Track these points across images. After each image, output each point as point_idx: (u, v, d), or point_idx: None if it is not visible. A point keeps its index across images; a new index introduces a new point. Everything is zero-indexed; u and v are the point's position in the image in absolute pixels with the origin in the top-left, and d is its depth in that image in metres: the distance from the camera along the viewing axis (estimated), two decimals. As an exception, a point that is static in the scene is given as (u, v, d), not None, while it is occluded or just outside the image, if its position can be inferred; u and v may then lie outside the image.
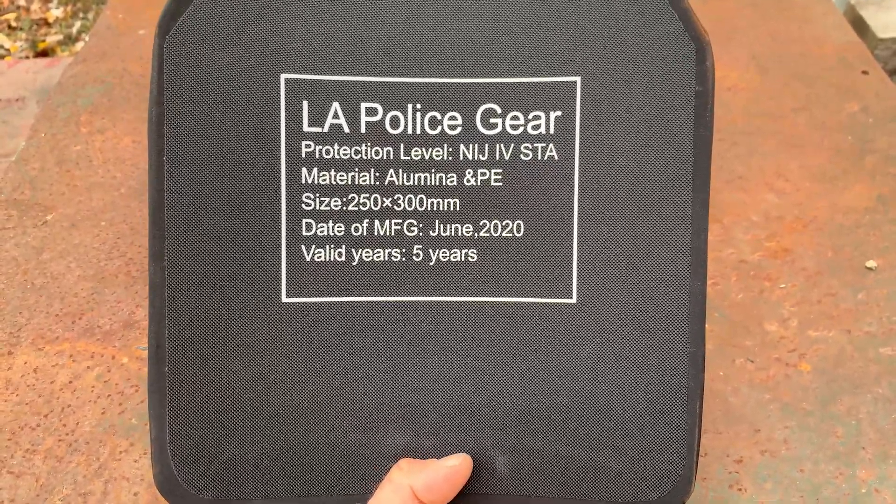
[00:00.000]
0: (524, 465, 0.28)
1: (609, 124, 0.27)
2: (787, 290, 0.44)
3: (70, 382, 0.40)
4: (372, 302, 0.28)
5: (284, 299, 0.27)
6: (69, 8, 1.55)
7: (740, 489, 0.36)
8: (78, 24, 1.50)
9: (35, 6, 1.55)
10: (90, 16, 1.52)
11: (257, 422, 0.28)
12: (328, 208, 0.27)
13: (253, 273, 0.27)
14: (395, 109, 0.27)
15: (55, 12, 1.53)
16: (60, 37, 1.47)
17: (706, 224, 0.27)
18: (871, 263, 0.45)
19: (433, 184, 0.27)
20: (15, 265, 0.46)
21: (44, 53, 1.42)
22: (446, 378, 0.28)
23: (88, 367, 0.41)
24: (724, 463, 0.37)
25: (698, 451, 0.28)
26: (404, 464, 0.27)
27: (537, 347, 0.28)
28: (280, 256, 0.27)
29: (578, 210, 0.27)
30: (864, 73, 0.58)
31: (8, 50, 1.43)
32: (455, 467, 0.27)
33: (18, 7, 1.56)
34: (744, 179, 0.50)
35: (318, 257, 0.28)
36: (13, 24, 1.51)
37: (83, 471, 0.36)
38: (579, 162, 0.27)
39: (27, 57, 1.41)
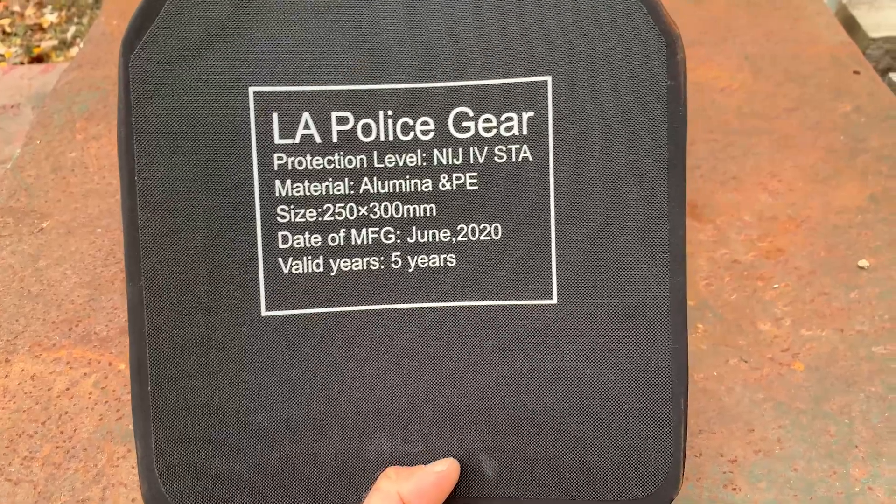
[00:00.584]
0: (512, 467, 0.28)
1: (582, 122, 0.27)
2: (780, 290, 0.44)
3: (67, 389, 0.40)
4: (352, 311, 0.28)
5: (264, 313, 0.28)
6: (64, 13, 1.55)
7: (735, 489, 0.36)
8: (73, 29, 1.50)
9: (30, 11, 1.55)
10: (85, 21, 1.52)
11: (243, 436, 0.28)
12: (304, 220, 0.27)
13: (231, 288, 0.27)
14: (367, 117, 0.27)
15: (50, 17, 1.53)
16: (55, 42, 1.47)
17: (683, 219, 0.27)
18: (863, 262, 0.45)
19: (408, 190, 0.27)
20: (11, 273, 0.46)
21: (39, 59, 1.42)
22: (430, 383, 0.28)
23: (85, 374, 0.41)
24: (718, 462, 0.37)
25: (685, 447, 0.29)
26: (391, 472, 0.27)
27: (520, 349, 0.28)
28: (257, 270, 0.27)
29: (555, 210, 0.27)
30: (856, 72, 0.59)
31: (3, 56, 1.43)
32: (443, 472, 0.27)
33: (13, 13, 1.56)
34: (737, 180, 0.51)
35: (296, 269, 0.27)
36: (8, 29, 1.51)
37: (81, 477, 0.36)
38: (554, 162, 0.27)
39: (22, 63, 1.41)
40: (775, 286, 0.44)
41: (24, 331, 0.43)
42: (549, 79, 0.27)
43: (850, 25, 0.78)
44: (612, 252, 0.27)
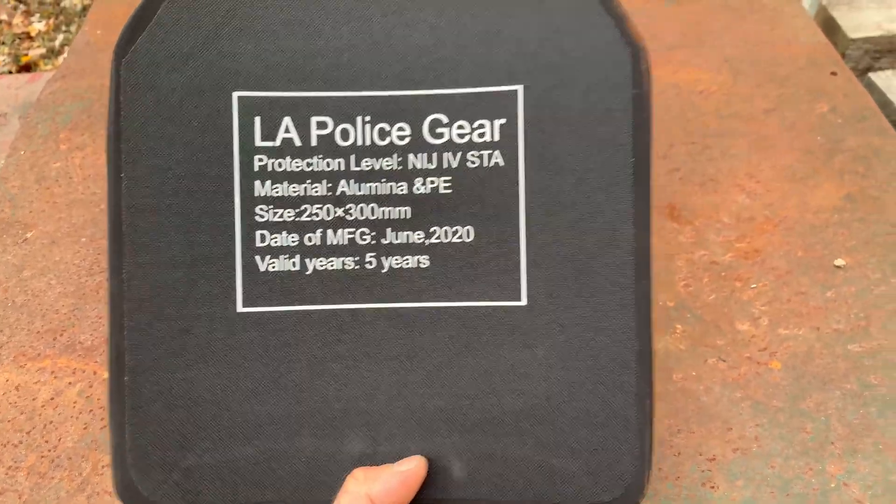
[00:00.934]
0: (481, 469, 0.29)
1: (551, 130, 0.28)
2: (758, 290, 0.45)
3: (52, 399, 0.40)
4: (326, 310, 0.28)
5: (240, 309, 0.28)
6: (51, 21, 1.55)
7: (713, 487, 0.37)
8: (60, 37, 1.50)
9: (17, 20, 1.55)
10: (73, 28, 1.52)
11: (217, 430, 0.28)
12: (282, 219, 0.28)
13: (209, 284, 0.28)
14: (345, 122, 0.28)
15: (38, 26, 1.53)
16: (43, 50, 1.47)
17: (649, 223, 0.28)
18: (839, 262, 0.46)
19: (384, 193, 0.28)
20: (-4, 283, 0.47)
21: (27, 67, 1.42)
22: (402, 384, 0.29)
23: (70, 384, 0.41)
24: (696, 461, 0.38)
25: (651, 451, 0.29)
26: (359, 473, 0.28)
27: (491, 351, 0.29)
28: (235, 267, 0.28)
29: (525, 214, 0.28)
30: (833, 73, 0.59)
31: (-10, 65, 1.43)
32: (410, 471, 0.28)
33: (0, 21, 1.55)
34: (715, 182, 0.51)
35: (273, 267, 0.28)
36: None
37: (66, 486, 0.36)
38: (524, 167, 0.28)
39: (10, 72, 1.41)
40: (753, 286, 0.45)
41: (8, 341, 0.43)
42: (519, 88, 0.28)
43: (830, 26, 0.79)
44: (579, 256, 0.28)
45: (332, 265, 0.28)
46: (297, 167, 0.28)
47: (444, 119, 0.28)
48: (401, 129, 0.28)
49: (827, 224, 0.48)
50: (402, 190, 0.28)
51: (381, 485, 0.27)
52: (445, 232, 0.28)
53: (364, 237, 0.28)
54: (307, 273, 0.28)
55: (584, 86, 0.28)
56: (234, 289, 0.28)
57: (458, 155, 0.28)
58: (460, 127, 0.28)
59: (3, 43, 1.49)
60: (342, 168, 0.28)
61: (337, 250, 0.28)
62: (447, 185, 0.28)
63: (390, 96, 0.28)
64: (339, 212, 0.28)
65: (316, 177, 0.28)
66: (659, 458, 0.38)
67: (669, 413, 0.39)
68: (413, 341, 0.29)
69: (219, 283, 0.28)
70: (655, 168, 0.52)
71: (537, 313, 0.28)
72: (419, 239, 0.28)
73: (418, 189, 0.28)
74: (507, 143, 0.28)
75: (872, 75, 0.74)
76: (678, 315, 0.44)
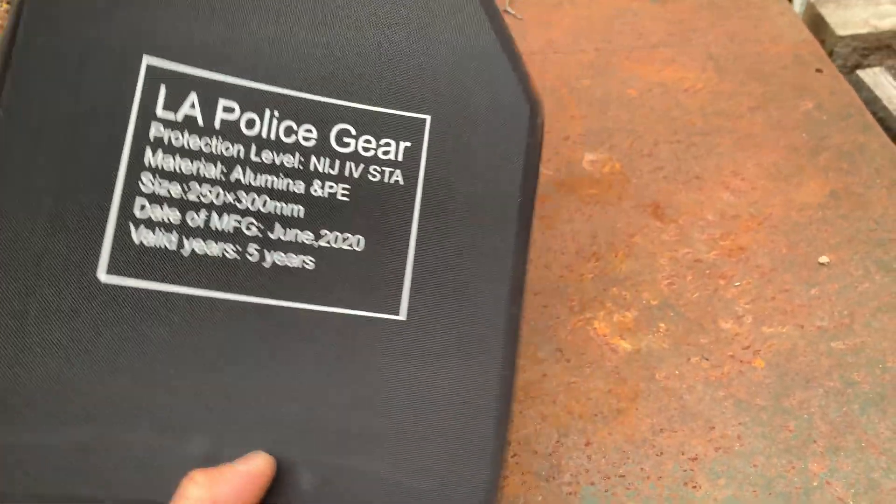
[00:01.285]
0: (331, 481, 0.28)
1: (451, 161, 0.30)
2: (741, 288, 0.45)
3: None
4: (196, 296, 0.27)
5: (101, 276, 0.26)
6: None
7: (695, 486, 0.37)
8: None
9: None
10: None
11: (42, 406, 0.26)
12: (167, 193, 0.27)
13: (71, 243, 0.26)
14: (253, 112, 0.28)
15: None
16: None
17: (527, 257, 0.30)
18: (823, 259, 0.46)
19: (280, 188, 0.28)
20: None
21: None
22: (260, 385, 0.27)
23: None
24: (678, 461, 0.37)
25: (501, 476, 0.29)
26: (199, 476, 0.25)
27: (360, 362, 0.28)
28: (105, 230, 0.26)
29: (416, 233, 0.29)
30: (819, 71, 0.59)
31: None
32: (258, 469, 0.26)
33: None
34: (700, 179, 0.51)
35: (147, 241, 0.27)
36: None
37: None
38: (422, 190, 0.29)
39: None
40: (737, 284, 0.45)
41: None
42: (428, 118, 0.29)
43: (818, 24, 0.79)
44: (461, 280, 0.29)
45: (212, 250, 0.27)
46: (195, 145, 0.27)
47: (353, 131, 0.29)
48: (308, 130, 0.28)
49: (811, 221, 0.48)
50: (298, 189, 0.28)
51: (226, 486, 0.25)
52: (336, 237, 0.28)
53: (251, 228, 0.28)
54: (184, 253, 0.27)
55: (485, 127, 0.30)
56: (98, 254, 0.26)
57: (361, 167, 0.29)
58: (367, 141, 0.29)
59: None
60: (241, 155, 0.28)
61: (220, 236, 0.27)
62: (345, 192, 0.29)
63: (304, 98, 0.28)
64: (229, 198, 0.27)
65: (212, 158, 0.27)
66: (641, 457, 0.38)
67: (652, 412, 0.39)
68: (280, 342, 0.28)
69: (83, 244, 0.26)
70: (640, 166, 0.52)
71: (413, 330, 0.28)
72: (308, 239, 0.28)
73: (315, 191, 0.28)
74: (409, 164, 0.29)
75: (861, 72, 0.74)
76: (661, 313, 0.43)
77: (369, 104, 0.29)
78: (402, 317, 0.28)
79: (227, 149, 0.28)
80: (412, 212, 0.29)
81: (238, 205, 0.28)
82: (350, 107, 0.29)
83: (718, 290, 0.45)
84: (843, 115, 0.55)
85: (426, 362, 0.28)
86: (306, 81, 0.28)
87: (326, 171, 0.28)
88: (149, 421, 0.26)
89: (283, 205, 0.28)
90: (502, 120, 0.30)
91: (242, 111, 0.28)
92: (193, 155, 0.27)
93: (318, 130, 0.28)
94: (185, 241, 0.27)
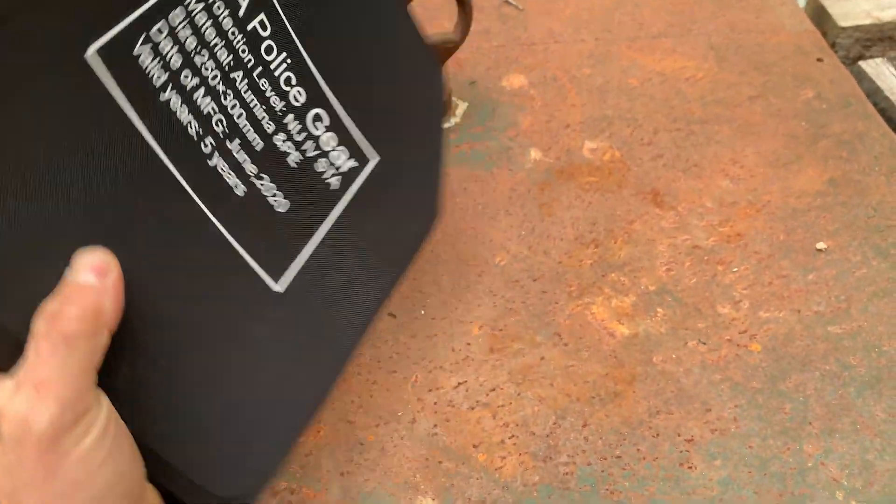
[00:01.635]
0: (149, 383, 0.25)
1: (376, 196, 0.33)
2: (739, 273, 0.45)
3: None
4: (144, 137, 0.25)
5: (90, 52, 0.23)
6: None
7: (690, 467, 0.37)
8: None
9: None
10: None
11: None
12: (183, 39, 0.26)
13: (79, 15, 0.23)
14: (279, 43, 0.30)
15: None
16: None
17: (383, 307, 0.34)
18: (821, 245, 0.46)
19: (256, 115, 0.29)
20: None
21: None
22: (141, 259, 0.24)
23: None
24: (675, 442, 0.38)
25: (274, 472, 0.29)
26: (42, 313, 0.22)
27: (225, 302, 0.27)
28: (119, 23, 0.24)
29: (326, 233, 0.31)
30: (819, 60, 0.59)
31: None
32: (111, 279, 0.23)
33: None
34: (699, 167, 0.51)
35: (142, 58, 0.25)
36: None
37: None
38: (343, 207, 0.32)
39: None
40: (735, 270, 0.45)
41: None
42: (375, 161, 0.34)
43: (821, 15, 0.79)
44: (339, 285, 0.32)
45: (181, 114, 0.26)
46: (223, 31, 0.27)
47: (326, 121, 0.32)
48: (299, 93, 0.30)
49: (809, 208, 0.48)
50: (268, 129, 0.29)
51: (75, 306, 0.22)
52: (271, 188, 0.29)
53: (219, 124, 0.27)
54: (161, 98, 0.25)
55: (411, 182, 0.36)
56: (101, 34, 0.23)
57: (316, 152, 0.31)
58: (331, 138, 0.32)
59: None
60: (248, 65, 0.28)
61: (195, 108, 0.26)
62: (296, 162, 0.31)
63: (311, 69, 0.31)
64: (220, 87, 0.27)
65: (229, 47, 0.27)
66: (637, 438, 0.38)
67: (648, 395, 0.40)
68: (178, 239, 0.26)
69: (89, 19, 0.23)
70: (640, 154, 0.52)
71: (282, 307, 0.29)
72: (251, 171, 0.28)
73: (276, 141, 0.30)
74: (347, 179, 0.33)
75: (862, 63, 0.73)
76: (659, 299, 0.44)
77: (347, 113, 0.32)
78: (279, 288, 0.29)
79: (243, 51, 0.28)
80: (329, 214, 0.31)
81: (222, 99, 0.27)
82: (334, 102, 0.31)
83: (716, 276, 0.45)
84: (844, 103, 0.55)
85: (272, 341, 0.28)
86: (323, 60, 0.31)
87: (293, 134, 0.30)
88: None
89: (252, 130, 0.29)
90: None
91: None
92: (221, 33, 0.27)
93: (305, 99, 0.30)
94: (169, 87, 0.25)
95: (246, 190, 0.28)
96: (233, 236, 0.28)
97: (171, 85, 0.26)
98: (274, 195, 0.29)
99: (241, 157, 0.28)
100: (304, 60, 0.30)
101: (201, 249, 0.27)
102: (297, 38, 0.30)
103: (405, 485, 0.37)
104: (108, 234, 0.24)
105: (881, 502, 0.35)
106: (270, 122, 0.29)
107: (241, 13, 0.28)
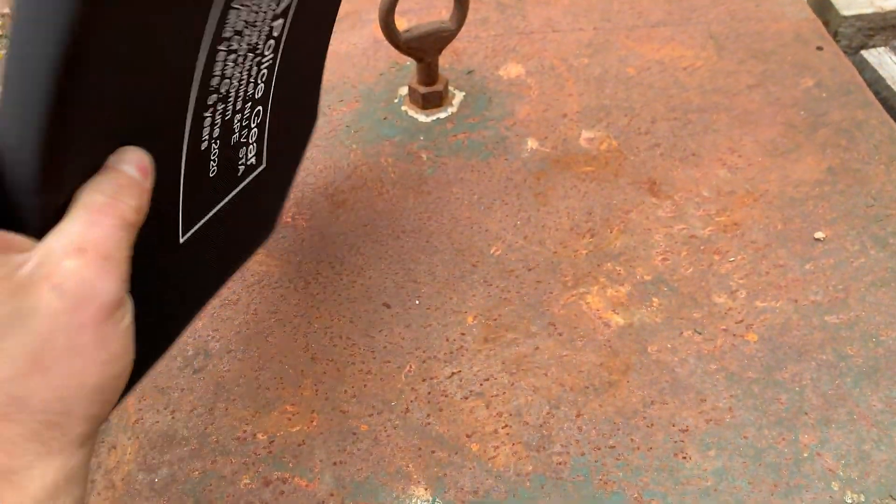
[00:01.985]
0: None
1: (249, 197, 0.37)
2: (736, 263, 0.45)
3: None
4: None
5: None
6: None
7: (685, 457, 0.37)
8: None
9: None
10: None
11: None
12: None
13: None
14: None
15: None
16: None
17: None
18: (819, 234, 0.46)
19: (241, 93, 0.32)
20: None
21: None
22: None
23: None
24: (669, 432, 0.38)
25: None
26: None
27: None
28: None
29: (224, 203, 0.34)
30: (819, 48, 0.59)
31: (-9, 58, 1.44)
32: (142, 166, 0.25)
33: (3, 15, 1.56)
34: (697, 156, 0.51)
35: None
36: (0, 31, 1.51)
37: None
38: (240, 188, 0.36)
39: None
40: (731, 259, 0.45)
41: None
42: (260, 168, 0.37)
43: (823, 4, 0.78)
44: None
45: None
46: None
47: (259, 117, 0.35)
48: (260, 89, 0.34)
49: (807, 197, 0.48)
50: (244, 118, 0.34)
51: (131, 197, 0.24)
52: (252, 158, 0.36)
53: (224, 86, 0.30)
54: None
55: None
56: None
57: (243, 144, 0.35)
58: (252, 134, 0.35)
59: (5, 37, 1.50)
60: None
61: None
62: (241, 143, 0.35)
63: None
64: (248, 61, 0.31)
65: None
66: (631, 428, 0.38)
67: (643, 385, 0.39)
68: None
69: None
70: (637, 144, 0.52)
71: (182, 252, 0.32)
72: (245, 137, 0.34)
73: (235, 137, 0.34)
74: (246, 172, 0.36)
75: (865, 52, 0.73)
76: (655, 288, 0.43)
77: (269, 120, 0.36)
78: (181, 240, 0.32)
79: (262, 40, 0.31)
80: (230, 194, 0.35)
81: (240, 68, 0.31)
82: (269, 106, 0.35)
83: (713, 266, 0.44)
84: (843, 91, 0.55)
85: (171, 275, 0.32)
86: (282, 71, 0.34)
87: (244, 117, 0.33)
88: None
89: (233, 100, 0.32)
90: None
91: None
92: (261, 22, 0.30)
93: (259, 95, 0.34)
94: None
95: (206, 146, 0.31)
96: (183, 182, 0.30)
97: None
98: (214, 159, 0.32)
99: (218, 119, 0.31)
100: (276, 65, 0.34)
101: (163, 184, 0.28)
102: (284, 45, 0.34)
103: (398, 474, 0.36)
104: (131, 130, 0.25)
105: (877, 493, 0.35)
106: (241, 102, 0.32)
107: (278, 9, 0.31)
